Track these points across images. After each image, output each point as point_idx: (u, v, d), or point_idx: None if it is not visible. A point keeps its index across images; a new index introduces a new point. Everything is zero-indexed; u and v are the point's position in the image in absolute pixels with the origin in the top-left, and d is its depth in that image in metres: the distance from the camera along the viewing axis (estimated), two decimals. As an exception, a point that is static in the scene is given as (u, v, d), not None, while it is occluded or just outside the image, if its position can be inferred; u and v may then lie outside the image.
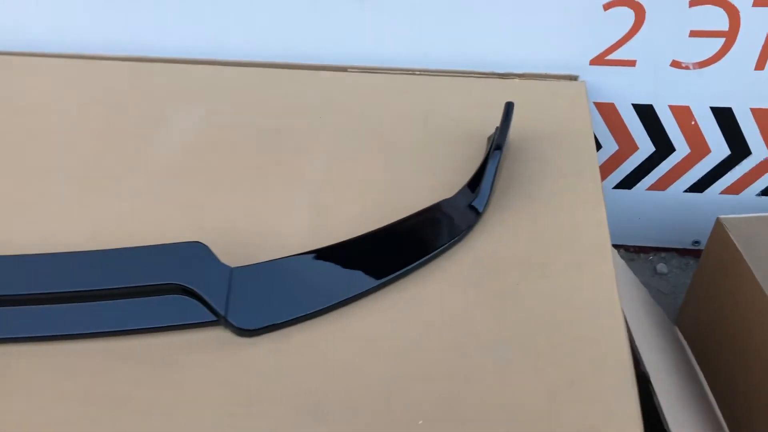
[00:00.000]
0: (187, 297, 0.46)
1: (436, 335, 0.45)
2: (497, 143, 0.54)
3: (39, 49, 0.70)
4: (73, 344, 0.45)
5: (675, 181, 0.75)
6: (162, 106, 0.64)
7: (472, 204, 0.52)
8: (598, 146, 0.73)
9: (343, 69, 0.68)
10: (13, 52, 0.71)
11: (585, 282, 0.48)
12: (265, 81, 0.67)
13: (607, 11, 0.63)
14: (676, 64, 0.66)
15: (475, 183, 0.54)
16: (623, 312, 0.47)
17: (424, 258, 0.49)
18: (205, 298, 0.45)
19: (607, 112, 0.70)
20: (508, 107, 0.57)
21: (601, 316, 0.46)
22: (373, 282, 0.47)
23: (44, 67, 0.70)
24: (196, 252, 0.46)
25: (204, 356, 0.44)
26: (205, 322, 0.45)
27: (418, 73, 0.68)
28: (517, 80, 0.67)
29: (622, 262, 0.68)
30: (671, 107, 0.69)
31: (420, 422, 0.41)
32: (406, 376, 0.43)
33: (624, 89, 0.69)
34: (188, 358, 0.44)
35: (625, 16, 0.63)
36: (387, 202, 0.55)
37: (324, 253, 0.49)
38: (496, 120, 0.58)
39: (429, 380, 0.43)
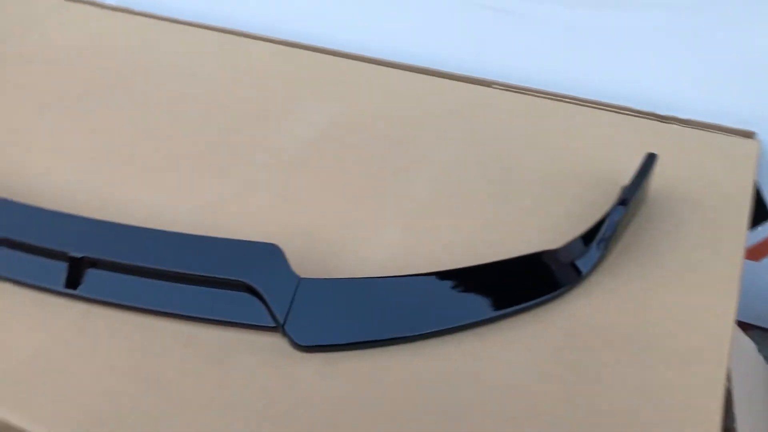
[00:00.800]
0: (252, 297, 0.45)
1: (489, 399, 0.41)
2: (623, 198, 0.48)
3: (192, 18, 0.74)
4: (139, 317, 0.46)
5: None
6: (297, 95, 0.65)
7: (577, 262, 0.46)
8: (763, 217, 0.62)
9: (487, 84, 0.64)
10: (164, 17, 0.76)
11: (687, 381, 0.41)
12: (403, 84, 0.65)
13: (804, 62, 0.53)
14: None
15: (589, 237, 0.48)
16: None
17: (506, 311, 0.44)
18: (268, 302, 0.44)
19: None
20: (649, 159, 0.50)
21: (693, 428, 0.39)
22: (442, 324, 0.44)
23: (192, 37, 0.73)
24: (269, 254, 0.45)
25: (254, 360, 0.44)
26: (265, 326, 0.45)
27: (567, 100, 0.62)
28: (676, 126, 0.59)
29: (752, 345, 0.58)
30: None
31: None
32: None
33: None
34: (239, 357, 0.44)
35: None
36: (486, 237, 0.50)
37: (399, 283, 0.46)
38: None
39: None
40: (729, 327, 0.44)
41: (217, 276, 0.45)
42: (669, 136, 0.58)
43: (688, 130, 0.58)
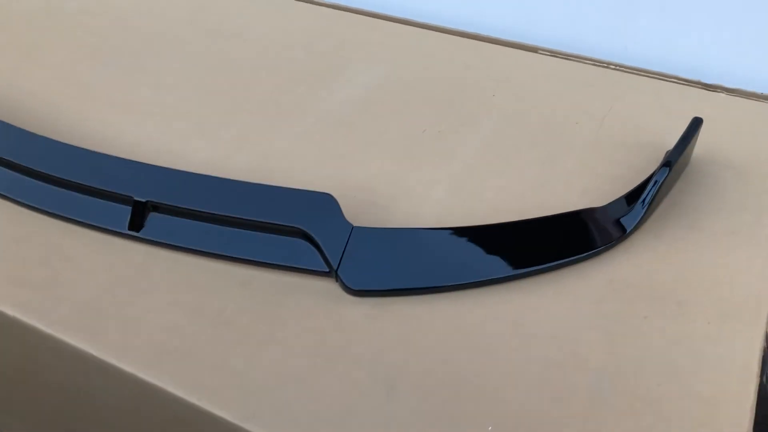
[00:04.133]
0: (307, 243, 0.47)
1: (534, 345, 0.43)
2: (668, 159, 0.49)
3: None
4: (199, 259, 0.49)
5: None
6: (348, 56, 0.66)
7: (621, 220, 0.48)
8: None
9: (533, 50, 0.65)
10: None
11: (723, 337, 0.42)
12: (450, 49, 0.66)
13: None
14: None
15: (633, 197, 0.49)
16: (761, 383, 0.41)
17: (551, 264, 0.46)
18: (323, 248, 0.46)
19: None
20: (695, 122, 0.51)
21: (729, 380, 0.40)
22: (488, 275, 0.46)
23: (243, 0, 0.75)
24: (324, 202, 0.47)
25: (308, 301, 0.46)
26: (318, 271, 0.47)
27: (612, 67, 0.62)
28: (723, 94, 0.59)
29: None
30: None
31: (489, 428, 0.39)
32: (488, 377, 0.41)
33: None
34: (294, 299, 0.46)
35: None
36: (531, 197, 0.52)
37: (446, 234, 0.48)
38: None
39: (511, 388, 0.41)
40: (765, 292, 0.45)
41: (274, 222, 0.47)
42: (715, 104, 0.59)
43: (734, 99, 0.59)
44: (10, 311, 0.46)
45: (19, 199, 0.52)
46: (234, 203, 0.49)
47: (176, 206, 0.49)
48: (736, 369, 0.41)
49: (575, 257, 0.46)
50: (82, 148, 0.53)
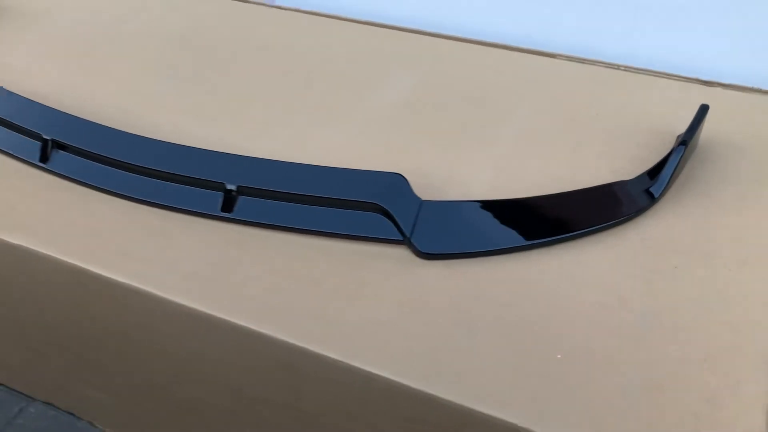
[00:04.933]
0: (381, 216, 0.55)
1: (585, 292, 0.50)
2: (684, 139, 0.57)
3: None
4: (292, 236, 0.56)
5: None
6: (388, 65, 0.74)
7: (650, 189, 0.56)
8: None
9: (552, 56, 0.74)
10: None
11: (744, 277, 0.51)
12: (478, 56, 0.75)
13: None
14: None
15: (655, 171, 0.58)
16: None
17: (593, 227, 0.54)
18: (397, 219, 0.54)
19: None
20: (703, 109, 0.60)
21: (752, 310, 0.49)
22: (542, 238, 0.54)
23: (284, 20, 0.83)
24: (396, 181, 0.55)
25: (386, 265, 0.53)
26: (392, 240, 0.54)
27: (623, 68, 0.72)
28: (719, 89, 0.69)
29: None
30: None
31: (558, 356, 0.46)
32: (550, 319, 0.49)
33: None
34: (373, 264, 0.53)
35: None
36: (567, 176, 0.60)
37: (503, 205, 0.56)
38: (689, 122, 0.61)
39: (570, 326, 0.48)
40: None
41: (353, 199, 0.55)
42: (712, 98, 0.67)
43: (729, 92, 0.68)
44: (126, 279, 0.53)
45: (120, 192, 0.59)
46: (315, 184, 0.56)
47: (264, 189, 0.56)
48: (755, 303, 0.49)
49: (613, 221, 0.55)
50: (174, 143, 0.60)
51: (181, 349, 0.55)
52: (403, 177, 0.55)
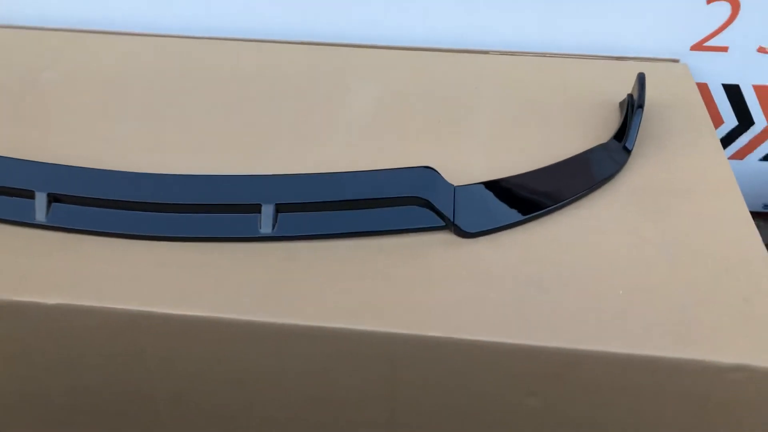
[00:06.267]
0: (420, 207, 0.59)
1: (613, 237, 0.59)
2: (639, 102, 0.68)
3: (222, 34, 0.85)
4: (337, 242, 0.58)
5: (752, 151, 0.90)
6: (343, 82, 0.78)
7: (625, 145, 0.66)
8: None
9: (485, 52, 0.83)
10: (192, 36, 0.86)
11: (723, 204, 0.62)
12: (423, 63, 0.82)
13: (709, 5, 0.78)
14: (762, 50, 0.81)
15: (620, 134, 0.68)
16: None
17: (595, 184, 0.63)
18: (438, 207, 0.58)
19: (701, 90, 0.85)
20: (641, 76, 0.71)
21: (734, 225, 0.60)
22: (558, 202, 0.61)
23: (229, 50, 0.84)
24: (428, 173, 0.60)
25: (437, 249, 0.58)
26: (434, 227, 0.59)
27: (548, 55, 0.82)
28: (632, 62, 0.81)
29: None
30: (755, 86, 0.84)
31: (621, 292, 0.54)
32: (596, 265, 0.56)
33: (716, 71, 0.83)
34: (424, 250, 0.58)
35: (723, 9, 0.78)
36: (546, 148, 0.68)
37: (520, 179, 0.63)
38: (620, 93, 0.73)
39: (611, 268, 0.56)
40: (729, 170, 0.65)
41: (393, 196, 0.59)
42: (628, 70, 0.80)
43: (639, 63, 0.81)
44: (205, 312, 0.52)
45: (144, 233, 0.58)
46: (352, 189, 0.59)
47: (303, 203, 0.58)
48: (737, 220, 0.60)
49: (607, 177, 0.64)
50: (198, 175, 0.60)
51: (271, 369, 0.55)
52: (433, 168, 0.60)
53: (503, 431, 0.56)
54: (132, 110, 0.74)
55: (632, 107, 0.70)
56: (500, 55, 0.83)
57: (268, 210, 0.58)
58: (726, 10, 0.78)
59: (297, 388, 0.56)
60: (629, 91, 0.74)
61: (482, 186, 0.62)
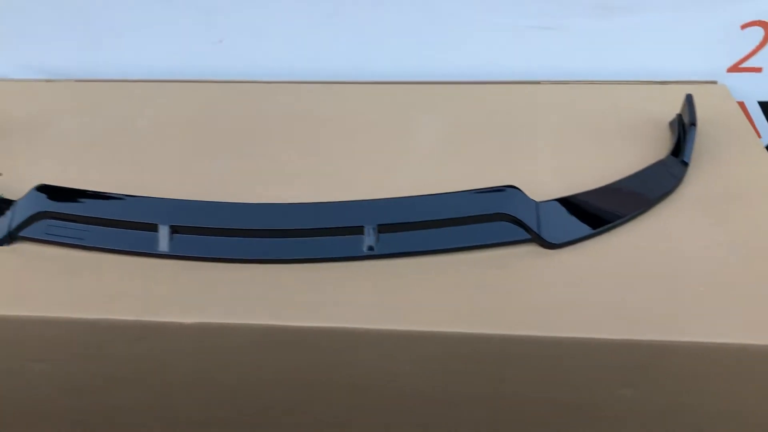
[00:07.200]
0: (507, 222, 0.65)
1: (690, 241, 0.64)
2: (691, 120, 0.75)
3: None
4: (439, 257, 0.64)
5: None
6: (411, 115, 0.85)
7: (683, 159, 0.72)
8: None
9: (536, 83, 0.90)
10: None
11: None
12: (481, 95, 0.89)
13: (743, 30, 0.85)
14: (793, 69, 0.88)
15: (676, 150, 0.74)
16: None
17: (662, 194, 0.69)
18: (524, 221, 0.64)
19: (739, 108, 0.92)
20: (690, 97, 0.78)
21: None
22: (633, 212, 0.67)
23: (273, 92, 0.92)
24: (513, 191, 0.65)
25: (530, 260, 0.63)
26: (520, 240, 0.65)
27: (597, 83, 0.89)
28: (673, 85, 0.88)
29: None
30: (789, 103, 0.91)
31: (702, 288, 0.60)
32: (681, 264, 0.62)
33: (751, 90, 0.90)
34: (518, 261, 0.63)
35: (756, 32, 0.85)
36: (607, 166, 0.74)
37: (595, 193, 0.69)
38: (666, 113, 0.80)
39: (689, 265, 0.62)
40: None
41: (484, 213, 0.64)
42: (671, 93, 0.86)
43: (681, 86, 0.88)
44: (321, 323, 0.58)
45: (266, 258, 0.64)
46: (446, 209, 0.65)
47: (403, 223, 0.64)
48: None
49: (669, 190, 0.70)
50: (305, 203, 0.66)
51: (385, 373, 0.60)
52: (517, 187, 0.66)
53: (598, 422, 0.61)
54: (221, 149, 0.81)
55: (683, 125, 0.76)
56: (552, 84, 0.90)
57: (370, 231, 0.64)
58: (759, 33, 0.85)
59: (410, 390, 0.61)
60: (674, 112, 0.81)
61: (560, 201, 0.68)
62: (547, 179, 0.74)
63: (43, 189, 0.68)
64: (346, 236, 0.64)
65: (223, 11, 0.92)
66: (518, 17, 0.88)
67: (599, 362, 0.58)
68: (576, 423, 0.61)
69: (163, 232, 0.64)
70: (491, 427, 0.62)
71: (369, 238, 0.64)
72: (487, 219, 0.65)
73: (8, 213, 0.68)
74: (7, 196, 0.71)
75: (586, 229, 0.66)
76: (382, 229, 0.64)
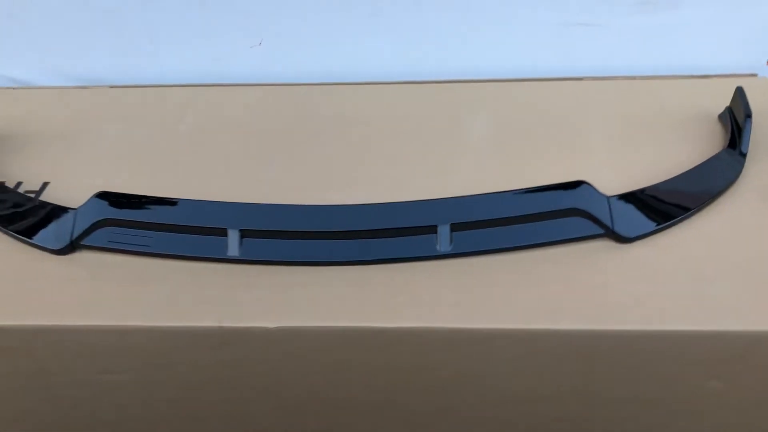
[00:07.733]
0: (580, 218, 0.65)
1: (755, 231, 0.65)
2: (746, 112, 0.75)
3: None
4: (514, 254, 0.64)
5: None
6: (460, 114, 0.85)
7: (741, 150, 0.73)
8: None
9: (579, 79, 0.90)
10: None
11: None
12: (526, 93, 0.88)
13: (783, 23, 0.87)
14: (831, 60, 0.89)
15: (733, 142, 0.75)
16: None
17: (726, 186, 0.69)
18: (597, 216, 0.64)
19: (776, 101, 0.92)
20: (740, 90, 0.78)
21: None
22: (698, 205, 0.67)
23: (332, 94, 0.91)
24: (584, 187, 0.65)
25: (603, 256, 0.63)
26: (593, 235, 0.65)
27: (638, 78, 0.89)
28: (715, 79, 0.89)
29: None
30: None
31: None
32: (753, 255, 0.62)
33: (789, 83, 0.91)
34: (592, 256, 0.63)
35: (795, 25, 0.87)
36: (662, 160, 0.74)
37: (660, 188, 0.69)
38: (711, 107, 0.80)
39: (742, 263, 0.62)
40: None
41: (556, 209, 0.64)
42: (712, 85, 0.87)
43: (723, 79, 0.88)
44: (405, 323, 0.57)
45: (339, 260, 0.63)
46: (518, 206, 0.64)
47: (477, 221, 0.64)
48: None
49: (731, 182, 0.70)
50: (374, 203, 0.65)
51: (476, 371, 0.60)
52: (587, 182, 0.66)
53: (686, 415, 0.61)
54: (271, 153, 0.79)
55: (734, 117, 0.77)
56: (594, 81, 0.90)
57: (444, 230, 0.63)
58: (798, 26, 0.87)
59: (499, 389, 0.60)
60: (719, 105, 0.81)
61: (628, 196, 0.67)
62: (606, 175, 0.73)
63: (104, 196, 0.66)
64: (420, 236, 0.64)
65: (260, 13, 0.90)
66: (561, 14, 0.88)
67: (687, 355, 0.58)
68: (664, 417, 0.61)
69: (233, 236, 0.63)
70: (579, 425, 0.62)
71: (443, 238, 0.63)
72: (561, 215, 0.65)
73: (68, 221, 0.66)
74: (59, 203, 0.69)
75: (656, 223, 0.66)
76: (456, 227, 0.64)
